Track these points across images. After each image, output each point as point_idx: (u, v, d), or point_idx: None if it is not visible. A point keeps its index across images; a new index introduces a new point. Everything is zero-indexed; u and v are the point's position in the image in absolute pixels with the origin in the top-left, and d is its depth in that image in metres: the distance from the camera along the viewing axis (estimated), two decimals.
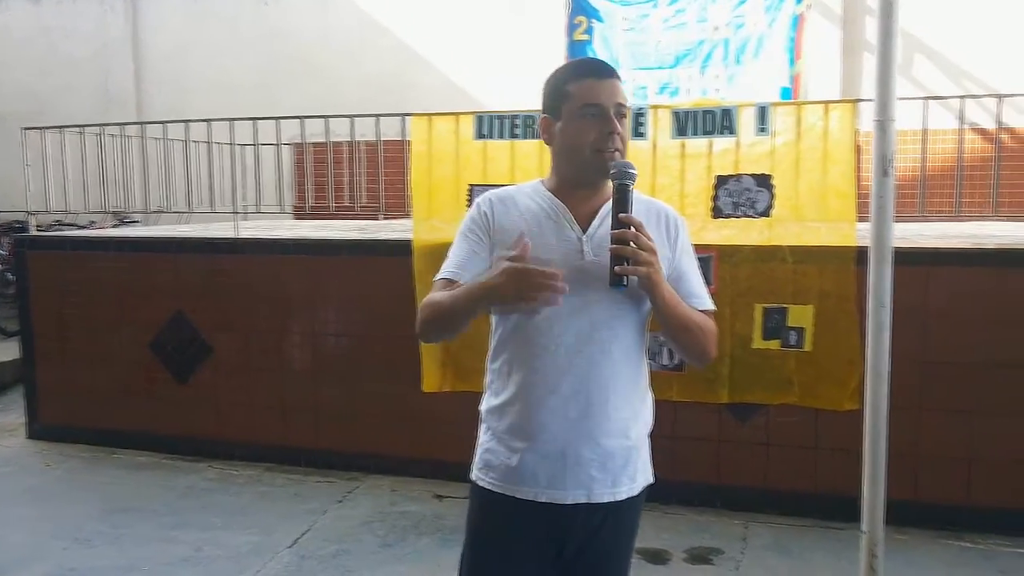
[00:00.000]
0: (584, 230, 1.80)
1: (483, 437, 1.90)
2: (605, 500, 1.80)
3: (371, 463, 4.74)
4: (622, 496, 1.82)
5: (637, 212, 1.73)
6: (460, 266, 1.82)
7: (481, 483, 1.86)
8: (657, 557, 3.75)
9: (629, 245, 1.66)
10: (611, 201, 1.76)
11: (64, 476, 4.90)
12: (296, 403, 4.95)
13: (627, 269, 1.66)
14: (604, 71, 1.83)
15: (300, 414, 4.93)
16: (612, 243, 1.68)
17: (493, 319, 1.88)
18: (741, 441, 4.21)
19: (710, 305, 1.88)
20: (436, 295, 1.80)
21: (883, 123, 3.20)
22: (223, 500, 4.48)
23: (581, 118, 1.78)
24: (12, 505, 4.46)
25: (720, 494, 4.22)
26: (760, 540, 3.91)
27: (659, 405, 4.23)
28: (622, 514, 1.84)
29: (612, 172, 1.74)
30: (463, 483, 1.99)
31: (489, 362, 1.88)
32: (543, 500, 1.78)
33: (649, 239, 1.68)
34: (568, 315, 1.74)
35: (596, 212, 1.82)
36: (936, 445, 3.96)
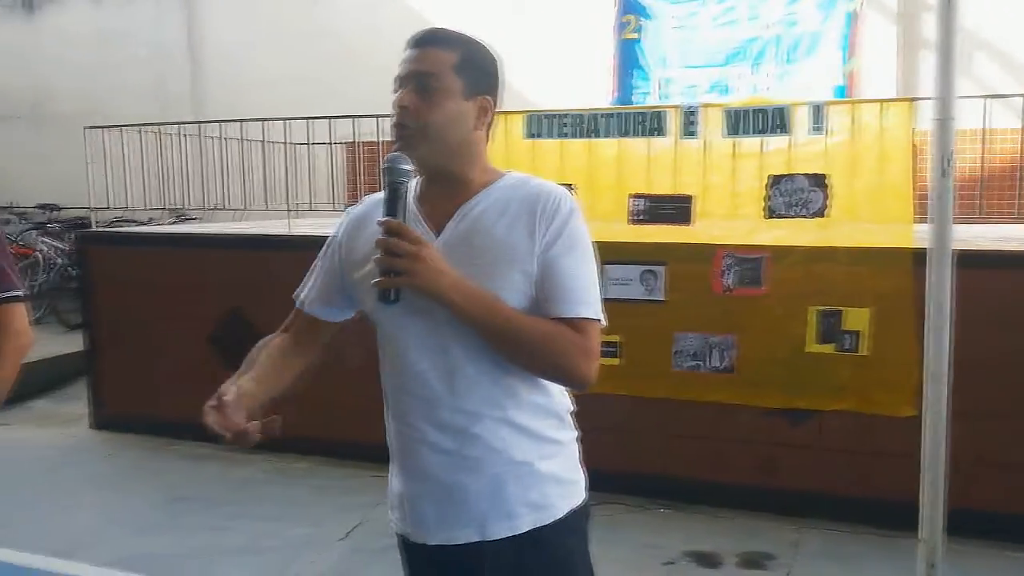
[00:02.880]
0: (437, 234, 1.54)
1: (390, 470, 1.70)
2: (504, 535, 1.54)
3: None
4: (525, 528, 1.54)
5: (496, 199, 1.53)
6: (308, 297, 1.74)
7: (392, 525, 1.68)
8: (708, 560, 3.73)
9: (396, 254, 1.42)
10: (465, 203, 1.54)
11: (126, 465, 5.06)
12: (349, 398, 5.01)
13: (383, 282, 1.43)
14: (418, 40, 1.56)
15: (353, 409, 4.98)
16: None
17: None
18: (793, 444, 4.16)
19: (580, 312, 1.49)
20: (259, 348, 1.71)
21: (943, 122, 3.15)
22: (278, 492, 4.58)
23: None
24: (77, 492, 4.61)
25: (772, 498, 4.17)
26: (813, 546, 3.87)
27: (708, 406, 4.23)
28: (543, 549, 1.56)
29: (384, 167, 1.49)
30: None
31: None
32: (433, 543, 1.58)
33: (415, 240, 1.42)
34: (417, 337, 1.52)
35: (454, 212, 1.55)
36: (996, 452, 3.86)
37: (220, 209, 6.64)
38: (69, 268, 8.29)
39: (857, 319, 3.96)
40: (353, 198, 7.07)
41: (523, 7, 8.74)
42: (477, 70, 1.56)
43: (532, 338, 1.47)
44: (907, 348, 3.82)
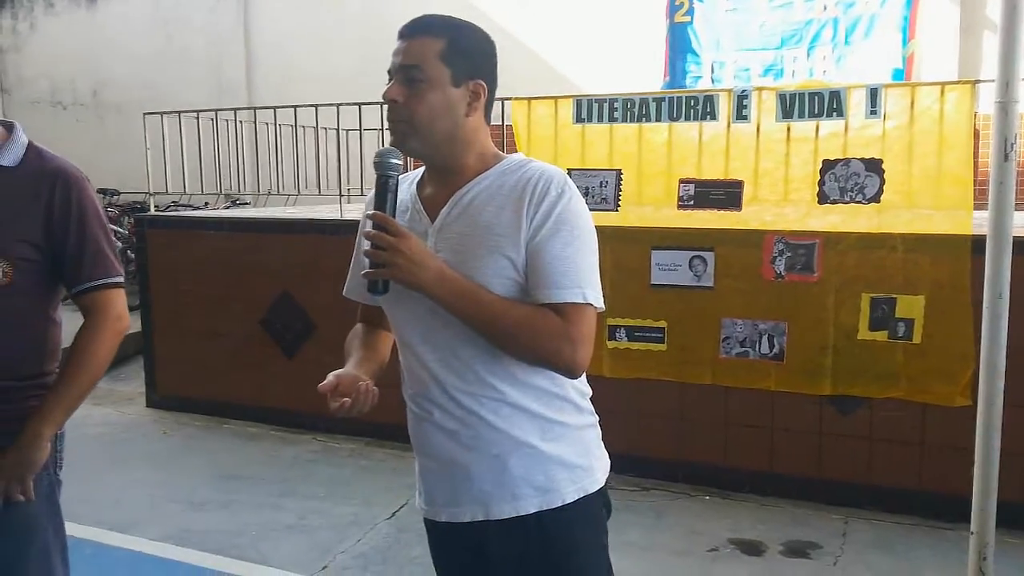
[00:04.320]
0: (433, 220, 1.57)
1: None
2: (507, 516, 1.55)
3: None
4: (530, 510, 1.54)
5: (487, 186, 1.53)
6: (347, 284, 1.76)
7: (416, 502, 1.72)
8: (752, 548, 3.70)
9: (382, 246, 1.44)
10: (459, 190, 1.56)
11: (180, 443, 5.19)
12: (395, 381, 5.08)
13: (368, 273, 1.47)
14: (403, 30, 1.57)
15: (399, 392, 5.06)
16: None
17: None
18: (843, 434, 4.10)
19: (564, 297, 1.47)
20: (349, 340, 1.77)
21: (1005, 105, 3.05)
22: (326, 471, 4.66)
23: None
24: (133, 469, 4.75)
25: (819, 488, 4.12)
26: (861, 536, 3.81)
27: (755, 394, 4.18)
28: (549, 534, 1.55)
29: (374, 161, 1.52)
30: None
31: None
32: (442, 520, 1.62)
33: (396, 233, 1.43)
34: (416, 321, 1.57)
35: (449, 199, 1.56)
36: None
37: (273, 194, 6.76)
38: (127, 251, 8.52)
39: (911, 307, 3.87)
40: None
41: None
42: (466, 55, 1.54)
43: (510, 325, 1.46)
44: (962, 337, 3.73)
